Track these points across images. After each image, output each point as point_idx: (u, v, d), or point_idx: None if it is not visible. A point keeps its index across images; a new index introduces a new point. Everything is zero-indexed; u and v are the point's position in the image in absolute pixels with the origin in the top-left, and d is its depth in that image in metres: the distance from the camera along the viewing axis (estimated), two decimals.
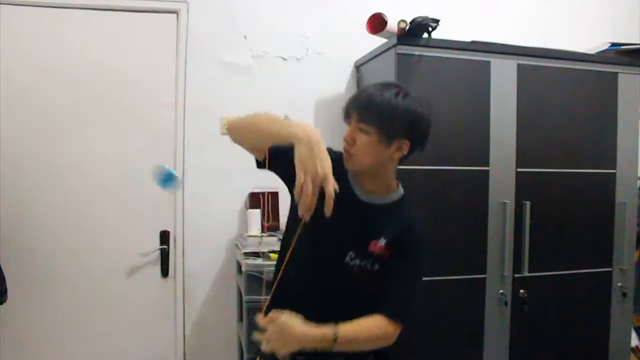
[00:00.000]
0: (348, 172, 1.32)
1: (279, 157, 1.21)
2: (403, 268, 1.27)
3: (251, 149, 1.28)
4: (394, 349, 1.29)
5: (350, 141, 1.25)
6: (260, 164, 1.30)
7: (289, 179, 1.16)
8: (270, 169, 1.29)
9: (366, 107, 1.23)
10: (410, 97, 1.26)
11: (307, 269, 1.28)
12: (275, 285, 1.32)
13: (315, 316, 1.17)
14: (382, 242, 1.27)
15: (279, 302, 1.24)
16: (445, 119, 1.98)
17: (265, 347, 1.12)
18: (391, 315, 1.22)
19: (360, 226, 1.29)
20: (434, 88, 1.97)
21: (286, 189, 1.31)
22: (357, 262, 1.27)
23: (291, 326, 1.11)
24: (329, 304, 1.27)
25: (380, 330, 1.21)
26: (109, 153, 2.22)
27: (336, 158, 1.21)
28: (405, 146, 1.30)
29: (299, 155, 1.07)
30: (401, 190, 1.38)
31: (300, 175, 1.05)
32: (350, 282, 1.29)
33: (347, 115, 1.28)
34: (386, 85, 1.26)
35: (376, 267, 1.28)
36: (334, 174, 1.09)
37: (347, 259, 1.27)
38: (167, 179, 1.38)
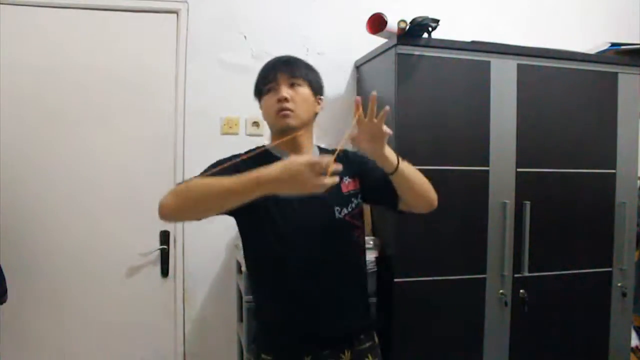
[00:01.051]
0: (272, 151, 1.33)
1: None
2: (380, 169, 1.29)
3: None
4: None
5: (289, 98, 1.28)
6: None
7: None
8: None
9: (295, 64, 1.33)
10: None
11: (306, 249, 1.29)
12: (271, 281, 1.35)
13: (330, 285, 1.30)
14: (346, 180, 1.36)
15: (280, 291, 1.31)
16: (445, 119, 1.98)
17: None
18: None
19: None
20: (434, 88, 1.97)
21: None
22: (345, 210, 1.34)
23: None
24: (339, 267, 1.33)
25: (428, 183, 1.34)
26: (108, 153, 2.22)
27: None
28: (321, 102, 1.39)
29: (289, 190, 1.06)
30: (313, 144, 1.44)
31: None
32: (350, 232, 1.36)
33: (271, 81, 1.31)
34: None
35: (359, 199, 1.38)
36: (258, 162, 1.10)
37: (337, 214, 1.32)
38: None
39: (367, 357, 1.37)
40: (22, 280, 2.12)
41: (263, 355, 1.34)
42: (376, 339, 1.44)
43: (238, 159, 1.26)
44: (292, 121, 1.29)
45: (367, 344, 1.38)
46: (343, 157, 1.35)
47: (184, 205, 1.15)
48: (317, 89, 1.36)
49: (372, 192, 1.39)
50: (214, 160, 1.35)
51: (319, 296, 1.30)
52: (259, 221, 1.29)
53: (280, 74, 1.30)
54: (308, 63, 1.37)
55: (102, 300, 2.23)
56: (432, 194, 1.35)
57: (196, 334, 2.34)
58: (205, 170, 1.27)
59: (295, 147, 1.31)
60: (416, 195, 1.32)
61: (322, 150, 1.43)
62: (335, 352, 1.32)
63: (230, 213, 1.24)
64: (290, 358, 1.31)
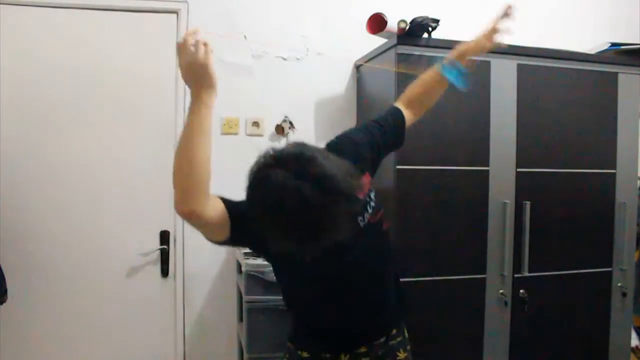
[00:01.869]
0: None
1: (240, 228, 1.11)
2: (368, 127, 1.34)
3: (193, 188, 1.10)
4: None
5: None
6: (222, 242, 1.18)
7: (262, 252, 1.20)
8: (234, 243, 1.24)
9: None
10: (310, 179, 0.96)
11: (341, 269, 1.24)
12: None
13: (372, 289, 1.30)
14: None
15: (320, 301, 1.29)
16: (445, 119, 1.98)
17: None
18: None
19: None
20: None
21: None
22: (367, 215, 1.25)
23: None
24: (379, 271, 1.33)
25: None
26: (109, 153, 2.22)
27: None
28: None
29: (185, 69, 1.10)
30: None
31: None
32: (380, 235, 1.32)
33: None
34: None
35: (373, 196, 1.28)
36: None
37: (361, 224, 1.23)
38: (459, 74, 1.43)
39: (399, 352, 1.38)
40: (22, 280, 2.11)
41: (299, 353, 1.36)
42: (406, 334, 1.44)
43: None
44: None
45: (398, 339, 1.39)
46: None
47: (180, 181, 1.09)
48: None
49: (385, 148, 1.39)
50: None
51: (358, 302, 1.30)
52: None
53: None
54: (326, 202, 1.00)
55: (102, 300, 2.23)
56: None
57: (196, 334, 2.34)
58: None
59: None
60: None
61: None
62: (372, 350, 1.33)
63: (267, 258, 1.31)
64: (327, 356, 1.33)
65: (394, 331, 1.37)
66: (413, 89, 1.46)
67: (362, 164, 1.24)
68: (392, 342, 1.36)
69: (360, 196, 1.21)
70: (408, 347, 1.42)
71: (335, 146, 1.28)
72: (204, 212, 1.07)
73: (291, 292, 1.39)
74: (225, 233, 1.13)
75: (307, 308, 1.37)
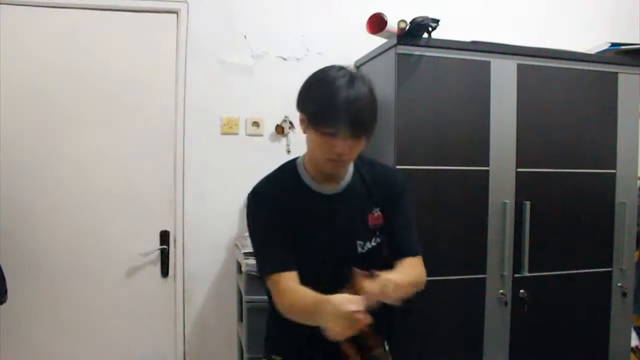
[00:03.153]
0: (302, 176, 1.32)
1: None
2: (403, 211, 1.35)
3: None
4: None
5: (346, 153, 1.21)
6: None
7: None
8: None
9: (358, 122, 1.18)
10: (364, 80, 1.24)
11: (327, 284, 1.22)
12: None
13: None
14: (376, 211, 1.32)
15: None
16: (445, 119, 1.98)
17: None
18: (415, 253, 1.35)
19: (348, 217, 1.31)
20: (434, 88, 1.97)
21: None
22: (369, 244, 1.31)
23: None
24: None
25: (416, 268, 1.33)
26: (108, 153, 2.22)
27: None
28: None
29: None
30: None
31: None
32: (371, 266, 1.28)
33: (332, 130, 1.18)
34: (350, 81, 1.20)
35: (383, 236, 1.33)
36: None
37: (359, 249, 1.30)
38: None
39: None
40: (22, 280, 2.11)
41: (274, 357, 1.37)
42: (386, 347, 1.42)
43: (271, 185, 1.31)
44: (341, 171, 1.29)
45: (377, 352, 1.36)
46: (371, 183, 1.33)
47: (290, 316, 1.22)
48: (372, 131, 1.26)
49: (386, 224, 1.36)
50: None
51: None
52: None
53: (345, 129, 1.16)
54: (375, 108, 1.23)
55: (102, 300, 2.23)
56: (421, 285, 1.33)
57: (196, 334, 2.34)
58: (250, 214, 1.31)
59: (331, 177, 1.31)
60: None
61: (357, 164, 1.37)
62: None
63: None
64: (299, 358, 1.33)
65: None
66: None
67: (383, 204, 1.34)
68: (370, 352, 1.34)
69: (371, 224, 1.31)
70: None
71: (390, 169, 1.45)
72: None
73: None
74: None
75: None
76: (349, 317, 0.98)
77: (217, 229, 2.32)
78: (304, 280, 1.21)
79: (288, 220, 1.26)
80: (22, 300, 2.11)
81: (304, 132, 1.28)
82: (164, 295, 2.30)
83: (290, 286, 1.21)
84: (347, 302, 1.01)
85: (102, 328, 2.23)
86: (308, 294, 1.16)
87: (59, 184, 2.18)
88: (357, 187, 1.33)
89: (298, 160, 1.36)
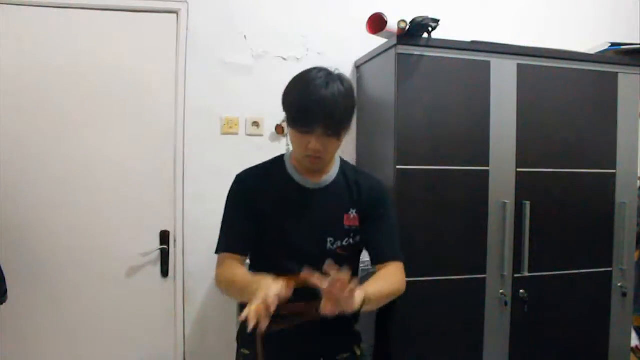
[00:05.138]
0: (287, 167, 1.38)
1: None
2: (385, 219, 1.39)
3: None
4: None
5: (321, 150, 1.27)
6: None
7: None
8: None
9: (332, 120, 1.23)
10: (342, 81, 1.27)
11: (291, 272, 1.25)
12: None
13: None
14: (352, 213, 1.36)
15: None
16: (445, 119, 1.98)
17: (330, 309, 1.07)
18: (395, 259, 1.36)
19: (325, 212, 1.35)
20: (434, 88, 1.97)
21: None
22: (339, 243, 1.34)
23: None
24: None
25: (397, 276, 1.33)
26: (108, 153, 2.22)
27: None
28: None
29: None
30: (336, 158, 1.43)
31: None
32: (340, 263, 1.27)
33: (306, 128, 1.24)
34: (326, 82, 1.24)
35: (357, 238, 1.36)
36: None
37: (329, 245, 1.33)
38: None
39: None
40: (22, 280, 2.11)
41: (242, 350, 1.41)
42: (357, 352, 1.44)
43: (256, 169, 1.42)
44: (318, 166, 1.34)
45: (345, 355, 1.41)
46: (354, 185, 1.38)
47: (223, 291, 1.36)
48: (347, 129, 1.30)
49: (363, 242, 1.41)
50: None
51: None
52: (261, 236, 1.36)
53: (318, 127, 1.23)
54: (350, 108, 1.27)
55: (102, 300, 2.23)
56: (399, 293, 1.33)
57: (196, 334, 2.34)
58: (232, 192, 1.43)
59: (313, 171, 1.36)
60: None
61: (344, 167, 1.42)
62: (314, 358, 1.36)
63: None
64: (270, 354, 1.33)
65: (339, 350, 1.40)
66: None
67: (363, 208, 1.37)
68: (339, 357, 1.39)
69: (347, 225, 1.34)
70: None
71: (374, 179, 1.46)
72: None
73: (256, 262, 1.42)
74: None
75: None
76: (265, 299, 1.08)
77: (217, 229, 2.31)
78: (273, 270, 1.22)
79: (260, 203, 1.33)
80: (22, 300, 2.11)
81: (290, 137, 1.36)
82: (164, 295, 2.30)
83: (231, 264, 1.32)
84: (271, 285, 1.10)
85: (102, 328, 2.23)
86: (245, 274, 1.27)
87: (59, 184, 2.18)
88: (339, 186, 1.38)
89: (287, 153, 1.43)
